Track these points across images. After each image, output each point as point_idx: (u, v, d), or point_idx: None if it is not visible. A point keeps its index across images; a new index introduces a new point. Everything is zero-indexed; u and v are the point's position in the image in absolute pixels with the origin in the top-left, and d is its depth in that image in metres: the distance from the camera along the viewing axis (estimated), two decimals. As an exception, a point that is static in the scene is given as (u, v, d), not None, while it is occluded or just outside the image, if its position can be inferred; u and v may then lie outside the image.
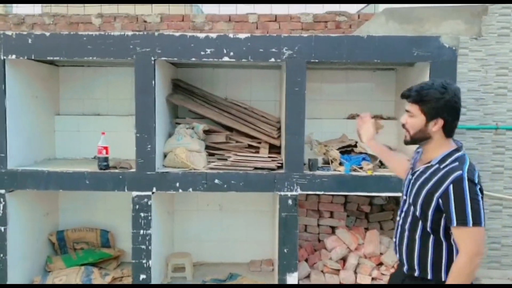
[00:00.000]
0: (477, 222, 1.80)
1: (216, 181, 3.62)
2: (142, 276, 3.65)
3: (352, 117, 4.36)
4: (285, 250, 3.62)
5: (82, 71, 4.39)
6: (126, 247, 4.42)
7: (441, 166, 1.91)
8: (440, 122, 1.92)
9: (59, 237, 4.33)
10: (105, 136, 3.72)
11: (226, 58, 3.53)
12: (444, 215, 1.89)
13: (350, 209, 4.19)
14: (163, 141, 3.87)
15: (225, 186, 3.62)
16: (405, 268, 2.06)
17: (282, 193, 3.59)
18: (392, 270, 3.68)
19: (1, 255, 3.63)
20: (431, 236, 1.96)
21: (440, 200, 1.87)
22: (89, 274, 3.85)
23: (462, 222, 1.81)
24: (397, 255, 2.12)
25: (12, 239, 3.69)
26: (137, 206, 3.62)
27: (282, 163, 3.74)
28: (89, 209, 4.52)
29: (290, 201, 3.59)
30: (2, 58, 3.53)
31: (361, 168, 3.70)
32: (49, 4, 5.40)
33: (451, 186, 1.84)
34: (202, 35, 3.53)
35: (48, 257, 4.25)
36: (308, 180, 3.58)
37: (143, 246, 3.64)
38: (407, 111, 2.01)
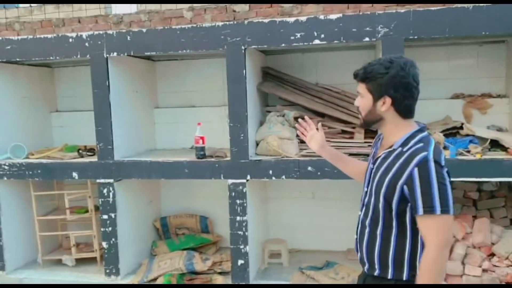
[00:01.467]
0: (445, 209, 1.59)
1: (309, 168, 3.56)
2: (240, 261, 3.73)
3: (457, 96, 4.00)
4: (385, 239, 3.45)
5: (177, 65, 4.57)
6: (224, 233, 4.57)
7: (404, 149, 1.70)
8: (388, 100, 1.71)
9: (163, 223, 4.59)
10: (201, 127, 3.83)
11: (316, 41, 3.42)
12: (409, 204, 1.68)
13: (456, 196, 3.86)
14: (255, 130, 3.88)
15: (319, 173, 3.54)
16: (366, 267, 1.85)
17: (380, 180, 3.41)
18: (507, 262, 3.37)
19: (113, 239, 3.95)
20: (394, 229, 1.74)
21: (404, 187, 1.66)
22: (190, 258, 4.03)
23: (429, 209, 1.60)
24: (358, 254, 1.91)
25: (121, 225, 3.98)
26: (233, 193, 3.69)
27: (379, 149, 3.55)
28: (188, 196, 4.72)
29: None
30: (105, 56, 3.78)
31: (468, 151, 3.38)
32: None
33: (415, 170, 1.62)
34: (291, 20, 3.46)
35: (153, 241, 4.55)
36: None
37: (240, 232, 3.71)
38: (358, 92, 1.82)
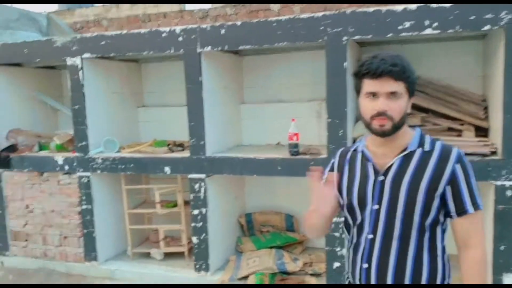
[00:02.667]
0: (482, 203, 1.52)
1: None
2: (336, 264, 3.56)
3: None
4: (502, 248, 3.14)
5: (264, 59, 4.44)
6: (309, 232, 4.42)
7: (427, 149, 1.51)
8: (411, 101, 1.54)
9: (248, 220, 4.52)
10: (295, 123, 3.68)
11: (428, 31, 3.14)
12: (443, 208, 1.51)
13: None
14: (351, 126, 3.68)
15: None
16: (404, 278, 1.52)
17: (499, 183, 3.10)
18: None
19: (203, 234, 3.91)
20: (427, 243, 1.51)
21: (447, 188, 1.48)
22: (280, 257, 3.92)
23: (476, 206, 1.49)
24: (374, 259, 1.53)
25: (211, 221, 3.94)
26: (329, 194, 3.51)
27: (496, 149, 3.23)
28: (272, 193, 4.61)
29: (509, 192, 3.08)
30: (198, 50, 3.72)
31: None
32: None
33: (457, 166, 1.48)
34: (399, 8, 3.20)
35: (238, 238, 4.49)
36: (533, 168, 3.02)
37: (336, 234, 3.54)
38: (392, 92, 1.44)
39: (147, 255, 4.46)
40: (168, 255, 4.40)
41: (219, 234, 4.11)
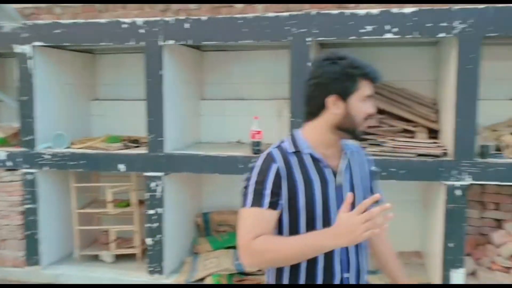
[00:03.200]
0: None
1: (373, 168, 3.40)
2: (295, 263, 3.58)
3: (520, 98, 3.88)
4: (451, 245, 3.31)
5: (225, 56, 4.40)
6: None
7: (349, 148, 1.57)
8: None
9: (205, 219, 4.43)
10: (258, 121, 3.67)
11: (388, 35, 3.27)
12: None
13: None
14: (312, 126, 3.73)
15: (384, 174, 3.38)
16: (366, 278, 1.59)
17: (449, 183, 3.27)
18: None
19: (158, 236, 3.78)
20: None
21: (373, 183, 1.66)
22: (237, 258, 3.88)
23: None
24: (352, 267, 1.51)
25: (167, 221, 3.82)
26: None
27: (446, 150, 3.41)
28: (230, 193, 4.55)
29: (458, 192, 3.27)
30: (160, 44, 3.61)
31: (542, 155, 3.25)
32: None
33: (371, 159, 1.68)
34: (362, 12, 3.31)
35: (195, 239, 4.38)
36: (481, 168, 3.22)
37: (295, 233, 3.55)
38: (371, 96, 1.50)
39: (96, 258, 4.23)
40: (119, 258, 4.20)
41: (175, 235, 3.99)
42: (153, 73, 3.65)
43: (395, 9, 3.27)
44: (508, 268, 3.38)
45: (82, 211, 4.21)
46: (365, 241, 1.51)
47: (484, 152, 3.30)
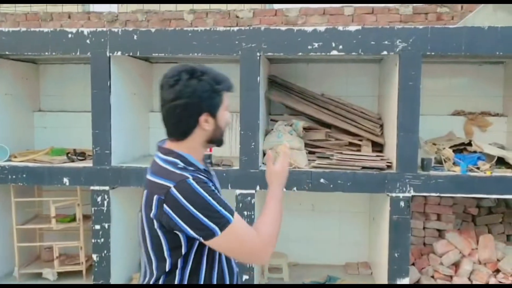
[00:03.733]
0: None
1: (322, 180, 3.48)
2: (245, 277, 3.57)
3: (458, 113, 4.10)
4: (396, 254, 3.42)
5: (176, 67, 4.37)
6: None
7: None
8: None
9: (154, 234, 4.34)
10: (208, 134, 3.65)
11: (334, 52, 3.38)
12: None
13: (457, 212, 3.94)
14: (262, 139, 3.77)
15: (331, 186, 3.47)
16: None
17: (394, 195, 3.39)
18: (512, 279, 3.43)
19: (105, 251, 3.66)
20: None
21: None
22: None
23: None
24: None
25: (114, 236, 3.71)
26: (240, 204, 3.54)
27: (390, 163, 3.54)
28: (180, 206, 4.51)
29: (402, 203, 3.39)
30: (108, 55, 3.54)
31: (478, 168, 3.44)
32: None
33: None
34: (309, 29, 3.39)
35: (143, 253, 4.27)
36: (422, 181, 3.36)
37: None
38: (227, 106, 1.61)
39: (38, 276, 4.03)
40: (62, 275, 4.03)
41: (122, 250, 3.87)
42: (99, 84, 3.55)
43: (340, 27, 3.38)
44: (450, 276, 3.53)
45: (23, 227, 4.01)
46: None
47: (425, 165, 3.45)
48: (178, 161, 1.51)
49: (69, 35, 3.54)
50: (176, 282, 1.51)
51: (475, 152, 3.60)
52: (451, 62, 4.12)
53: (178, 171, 1.47)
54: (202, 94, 1.47)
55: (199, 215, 1.40)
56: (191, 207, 1.40)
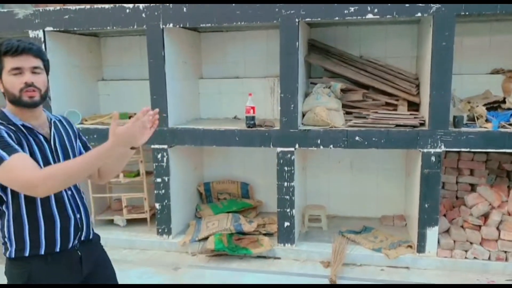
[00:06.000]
0: None
1: (357, 138, 3.76)
2: (286, 223, 3.99)
3: (496, 72, 4.15)
4: (426, 205, 3.69)
5: (221, 36, 4.71)
6: (262, 198, 4.85)
7: (57, 119, 1.87)
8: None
9: (206, 188, 4.85)
10: (252, 97, 4.01)
11: (370, 16, 3.56)
12: None
13: (491, 167, 4.09)
14: (301, 101, 4.06)
15: (366, 143, 3.74)
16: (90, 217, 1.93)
17: (425, 150, 3.62)
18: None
19: (166, 201, 4.20)
20: None
21: (79, 142, 1.92)
22: (237, 220, 4.30)
23: None
24: (80, 208, 1.82)
25: (173, 188, 4.23)
26: (281, 161, 3.91)
27: (424, 121, 3.74)
28: (228, 164, 4.96)
29: (433, 158, 3.62)
30: (161, 27, 3.93)
31: (510, 124, 3.57)
32: None
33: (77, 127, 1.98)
34: (345, -6, 3.58)
35: (197, 205, 4.81)
36: (453, 137, 3.56)
37: (287, 197, 3.95)
38: (35, 67, 1.67)
39: (110, 222, 4.69)
40: (130, 222, 4.66)
41: (180, 201, 4.41)
42: (155, 54, 3.98)
43: (375, -9, 3.54)
44: (478, 226, 3.75)
45: (95, 181, 4.63)
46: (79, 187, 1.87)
47: (457, 122, 3.62)
48: None
49: (127, 10, 3.96)
50: (6, 217, 1.72)
51: (509, 109, 3.70)
52: (491, 20, 4.13)
53: None
54: None
55: None
56: None
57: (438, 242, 3.73)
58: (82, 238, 1.84)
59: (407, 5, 3.48)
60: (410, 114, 3.76)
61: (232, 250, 3.96)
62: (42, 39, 4.14)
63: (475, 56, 4.20)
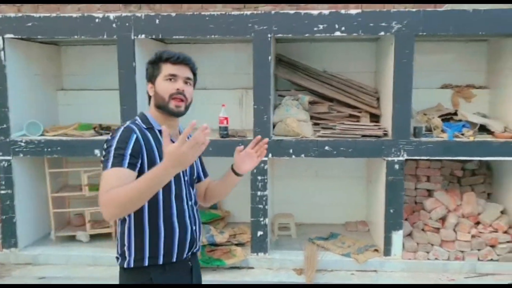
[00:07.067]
0: None
1: (326, 148, 3.94)
2: (260, 232, 4.06)
3: (445, 86, 4.56)
4: (391, 211, 3.94)
5: (190, 48, 4.74)
6: (229, 209, 4.90)
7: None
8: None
9: (174, 200, 4.80)
10: (225, 108, 4.07)
11: (337, 33, 3.78)
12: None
13: (444, 174, 4.45)
14: (272, 112, 4.19)
15: (335, 152, 3.93)
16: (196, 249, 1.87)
17: (389, 158, 3.88)
18: (490, 229, 3.97)
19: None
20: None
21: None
22: (208, 231, 4.29)
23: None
24: (196, 221, 1.85)
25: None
26: (255, 170, 3.99)
27: (386, 131, 4.01)
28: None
29: (396, 166, 3.88)
30: (132, 38, 3.89)
31: (462, 134, 3.93)
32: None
33: None
34: (315, 12, 3.79)
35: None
36: (414, 146, 3.85)
37: (260, 206, 4.03)
38: (188, 78, 1.77)
39: (71, 238, 4.49)
40: (93, 237, 4.48)
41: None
42: (125, 64, 3.93)
43: (342, 10, 3.78)
44: (437, 228, 4.06)
45: (57, 195, 4.43)
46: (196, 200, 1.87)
47: (417, 132, 3.93)
48: (137, 117, 1.77)
49: (97, 20, 3.89)
50: (127, 224, 1.69)
51: (460, 120, 4.08)
52: (441, 40, 4.55)
53: (127, 122, 1.74)
54: (147, 66, 1.78)
55: (108, 151, 1.62)
56: (110, 142, 1.64)
57: (403, 245, 3.98)
58: (194, 250, 1.82)
59: (371, 24, 3.74)
60: (374, 125, 4.01)
61: (206, 262, 3.95)
62: (1, 46, 3.94)
63: (427, 72, 4.58)
